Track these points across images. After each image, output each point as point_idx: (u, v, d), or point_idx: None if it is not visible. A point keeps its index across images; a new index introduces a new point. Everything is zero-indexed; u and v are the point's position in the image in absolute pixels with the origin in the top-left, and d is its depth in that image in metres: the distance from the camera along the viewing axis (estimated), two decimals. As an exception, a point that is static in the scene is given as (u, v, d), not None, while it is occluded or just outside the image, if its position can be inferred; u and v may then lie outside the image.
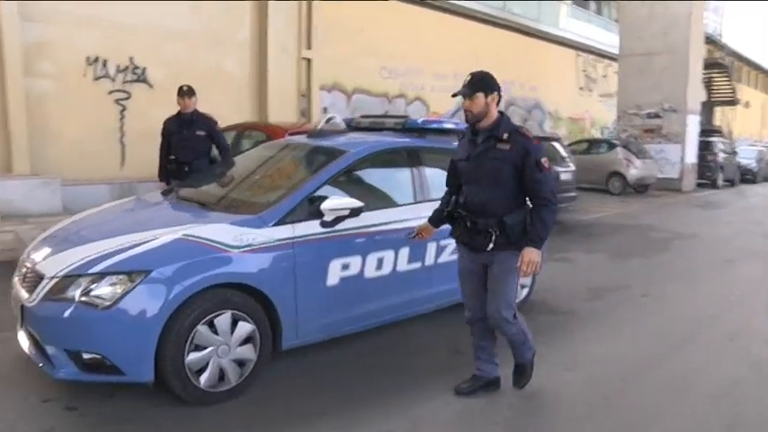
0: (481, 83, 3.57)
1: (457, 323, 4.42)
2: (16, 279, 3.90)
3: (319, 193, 4.07)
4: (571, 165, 12.16)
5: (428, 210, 4.54)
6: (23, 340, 3.72)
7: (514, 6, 19.96)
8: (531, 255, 3.45)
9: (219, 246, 3.62)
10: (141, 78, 10.66)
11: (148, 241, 3.60)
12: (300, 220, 3.94)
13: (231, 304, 3.62)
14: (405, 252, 4.46)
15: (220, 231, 3.71)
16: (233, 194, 4.58)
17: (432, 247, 4.65)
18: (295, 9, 12.57)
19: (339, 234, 4.07)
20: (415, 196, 4.71)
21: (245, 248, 3.69)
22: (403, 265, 4.47)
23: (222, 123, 9.07)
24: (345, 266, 4.13)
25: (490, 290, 3.68)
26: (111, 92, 10.34)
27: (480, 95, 3.54)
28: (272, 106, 12.20)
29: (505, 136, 3.52)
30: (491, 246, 3.55)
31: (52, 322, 3.42)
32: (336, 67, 14.02)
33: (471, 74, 3.62)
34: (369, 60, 14.88)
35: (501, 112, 3.64)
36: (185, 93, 6.65)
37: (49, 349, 3.45)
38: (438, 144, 5.10)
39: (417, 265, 4.58)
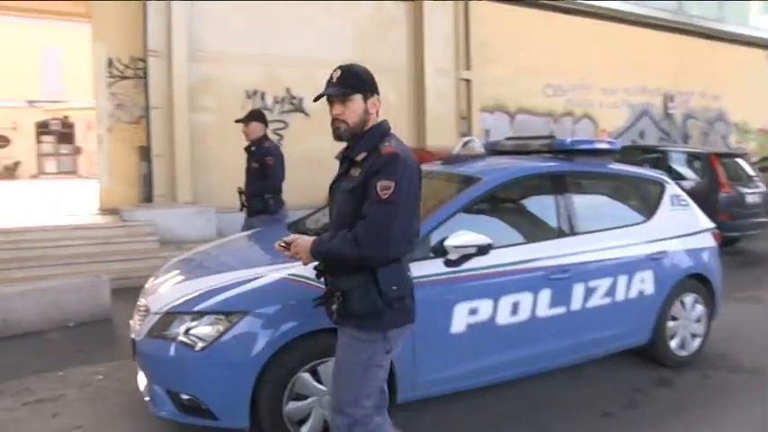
0: (358, 80, 2.57)
1: (604, 379, 3.74)
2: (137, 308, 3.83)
3: (446, 226, 3.58)
4: (761, 185, 10.48)
5: (576, 245, 3.94)
6: (139, 371, 3.60)
7: (692, 7, 17.99)
8: (302, 243, 2.55)
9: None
10: (298, 108, 10.89)
11: (252, 280, 3.36)
12: (421, 259, 3.46)
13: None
14: (546, 295, 3.82)
15: (328, 271, 3.37)
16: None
17: (578, 290, 3.96)
18: (451, 30, 12.25)
19: (466, 275, 3.55)
20: (559, 229, 4.05)
21: (355, 290, 3.31)
22: (543, 310, 3.82)
23: None
24: (473, 311, 3.59)
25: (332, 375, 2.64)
26: (268, 122, 10.60)
27: (358, 98, 2.54)
28: (430, 131, 11.94)
29: (360, 157, 2.49)
30: (335, 317, 2.52)
31: (154, 360, 3.30)
32: (498, 87, 13.46)
33: (341, 67, 2.62)
34: (532, 78, 14.13)
35: (380, 123, 2.60)
36: (243, 119, 6.00)
37: (153, 386, 3.31)
38: (589, 168, 4.42)
39: (561, 310, 3.90)
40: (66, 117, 28.57)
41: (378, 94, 2.59)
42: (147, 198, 9.84)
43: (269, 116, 10.54)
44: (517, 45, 13.49)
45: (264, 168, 5.80)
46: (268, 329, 3.12)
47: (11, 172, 27.90)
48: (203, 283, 3.46)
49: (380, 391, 2.58)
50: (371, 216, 2.34)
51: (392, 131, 2.59)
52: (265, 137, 6.00)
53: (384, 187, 2.34)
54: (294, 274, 3.32)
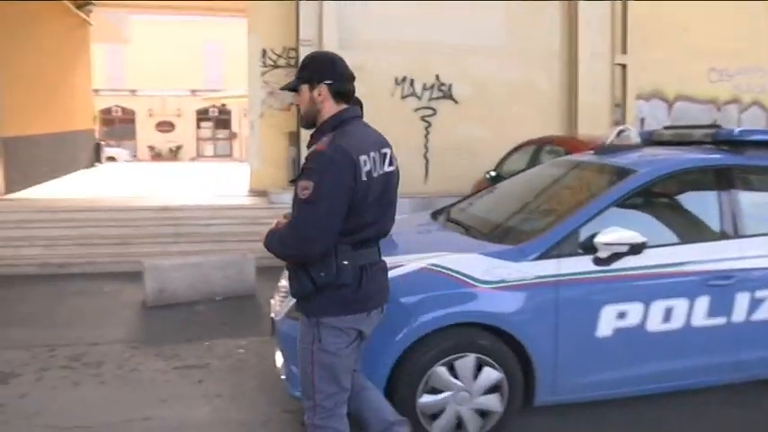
0: (304, 69, 2.51)
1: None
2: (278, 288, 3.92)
3: (595, 222, 3.37)
4: None
5: (741, 249, 3.57)
6: (277, 350, 3.72)
7: None
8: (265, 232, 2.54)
9: (467, 279, 3.20)
10: (447, 95, 10.79)
11: (394, 268, 3.33)
12: (568, 255, 3.30)
13: (476, 347, 3.17)
14: (704, 302, 3.47)
15: (470, 263, 3.28)
16: (498, 219, 4.11)
17: (742, 300, 3.54)
18: (608, 11, 11.56)
19: (616, 275, 3.32)
20: (723, 230, 3.66)
21: (498, 284, 3.20)
22: (700, 319, 3.47)
23: (528, 137, 8.80)
24: (622, 315, 3.35)
25: None
26: (417, 109, 10.65)
27: (304, 88, 2.49)
28: (582, 119, 11.38)
29: (311, 150, 2.41)
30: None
31: (291, 340, 3.32)
32: (656, 71, 12.53)
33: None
34: (694, 62, 13.00)
35: (335, 114, 2.48)
36: None
37: (289, 365, 3.38)
38: (761, 162, 3.95)
39: (721, 320, 3.52)
40: (223, 105, 30.42)
41: (329, 81, 2.46)
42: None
43: (417, 103, 10.73)
44: (679, 25, 12.51)
45: None
46: (406, 320, 3.09)
47: (173, 154, 30.23)
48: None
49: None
50: (293, 216, 2.37)
51: (357, 120, 2.53)
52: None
53: (303, 187, 2.31)
54: (435, 264, 3.28)
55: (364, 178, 2.35)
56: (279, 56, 10.43)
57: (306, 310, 2.49)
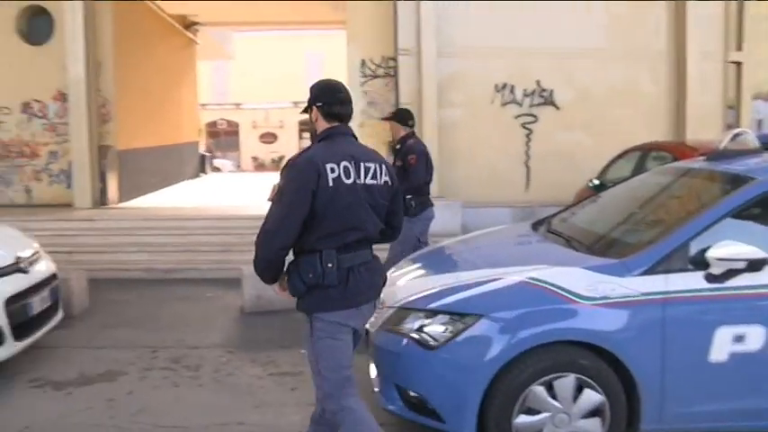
0: (309, 94, 2.93)
1: None
2: None
3: (708, 234, 3.11)
4: None
5: None
6: (371, 362, 3.67)
7: None
8: None
9: (567, 295, 3.04)
10: (548, 101, 10.50)
11: (491, 281, 3.24)
12: (677, 271, 3.07)
13: (576, 367, 3.01)
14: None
15: (572, 277, 3.12)
16: (602, 230, 3.90)
17: None
18: (720, 6, 10.84)
19: (731, 293, 3.06)
20: None
21: (600, 301, 3.02)
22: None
23: (633, 143, 8.45)
24: (739, 338, 3.06)
25: None
26: (517, 116, 10.43)
27: (312, 109, 2.92)
28: (690, 122, 10.72)
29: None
30: None
31: (385, 353, 3.33)
32: (776, 69, 11.72)
33: None
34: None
35: (323, 131, 2.86)
36: (387, 117, 6.06)
37: (383, 379, 3.36)
38: None
39: None
40: (325, 115, 31.01)
41: (320, 104, 2.85)
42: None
43: (518, 110, 10.52)
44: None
45: (406, 167, 5.52)
46: (503, 335, 2.98)
47: (276, 164, 31.14)
48: (441, 280, 3.44)
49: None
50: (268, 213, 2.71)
51: (342, 137, 2.86)
52: (410, 135, 5.77)
53: (273, 190, 2.75)
54: (534, 278, 3.14)
55: (330, 184, 2.64)
56: (378, 66, 10.50)
57: (302, 307, 2.79)
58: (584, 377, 3.00)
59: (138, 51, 12.17)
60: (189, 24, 16.29)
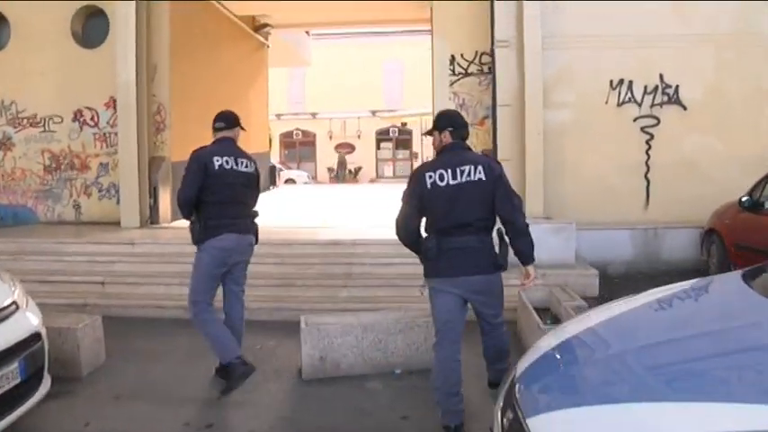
0: None
1: None
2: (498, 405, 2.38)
3: None
4: None
5: None
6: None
7: None
8: None
9: None
10: (673, 99, 8.56)
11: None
12: None
13: None
14: None
15: None
16: None
17: None
18: None
19: None
20: None
21: None
22: None
23: None
24: None
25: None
26: (636, 119, 8.57)
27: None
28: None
29: None
30: None
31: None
32: None
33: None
34: None
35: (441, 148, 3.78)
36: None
37: None
38: None
39: None
40: (403, 124, 29.76)
41: (452, 129, 3.74)
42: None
43: (637, 111, 8.61)
44: None
45: None
46: None
47: (353, 176, 29.96)
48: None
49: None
50: None
51: (445, 152, 3.72)
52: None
53: None
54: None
55: (428, 187, 3.53)
56: (470, 62, 8.89)
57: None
58: None
59: (199, 54, 11.00)
60: (259, 27, 15.08)
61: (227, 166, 4.35)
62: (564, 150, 8.47)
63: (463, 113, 8.75)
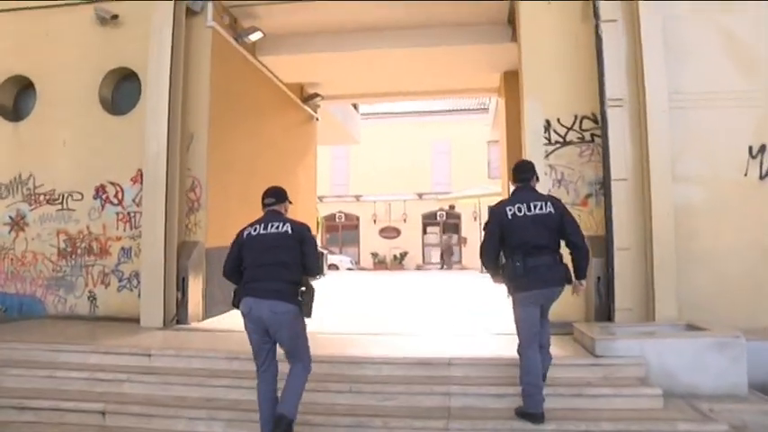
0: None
1: None
2: None
3: None
4: None
5: None
6: None
7: None
8: None
9: None
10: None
11: None
12: None
13: None
14: None
15: None
16: None
17: None
18: None
19: None
20: None
21: None
22: None
23: None
24: None
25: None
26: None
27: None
28: None
29: None
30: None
31: None
32: None
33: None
34: None
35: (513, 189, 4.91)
36: None
37: None
38: None
39: None
40: (452, 207, 28.14)
41: (514, 176, 4.94)
42: (602, 313, 6.70)
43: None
44: None
45: None
46: None
47: (398, 261, 28.26)
48: None
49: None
50: None
51: (517, 191, 4.83)
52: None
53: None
54: None
55: (509, 218, 4.59)
56: (568, 128, 7.24)
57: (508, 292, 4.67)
58: None
59: (242, 123, 9.61)
60: (308, 97, 13.75)
61: (254, 233, 4.36)
62: (695, 236, 6.67)
63: (560, 191, 7.21)
